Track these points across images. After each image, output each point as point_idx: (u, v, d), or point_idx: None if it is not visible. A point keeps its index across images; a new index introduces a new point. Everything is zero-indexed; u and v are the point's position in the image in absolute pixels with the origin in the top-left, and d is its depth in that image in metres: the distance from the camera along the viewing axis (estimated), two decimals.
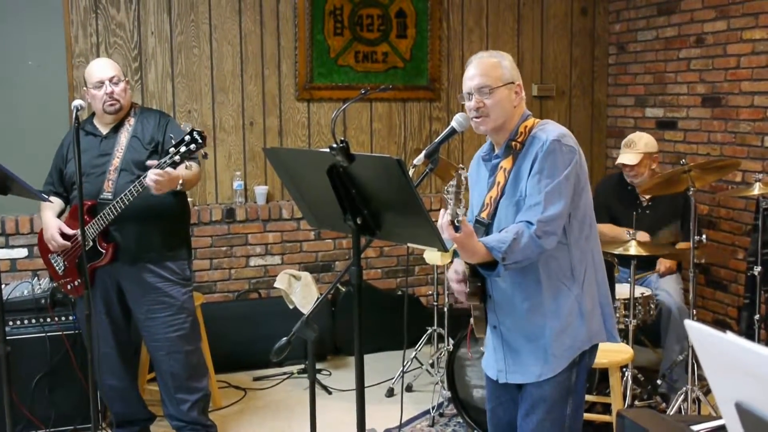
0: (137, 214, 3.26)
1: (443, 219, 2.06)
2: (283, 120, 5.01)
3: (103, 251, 3.33)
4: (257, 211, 4.91)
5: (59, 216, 3.47)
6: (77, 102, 3.00)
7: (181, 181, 3.17)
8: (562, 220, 2.21)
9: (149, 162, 3.11)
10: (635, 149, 4.24)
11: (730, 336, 0.98)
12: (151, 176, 3.04)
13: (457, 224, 2.02)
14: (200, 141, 3.04)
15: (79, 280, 3.41)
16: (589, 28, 5.65)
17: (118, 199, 3.20)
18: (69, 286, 3.49)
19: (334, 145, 1.96)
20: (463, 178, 2.00)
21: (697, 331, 1.04)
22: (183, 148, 3.04)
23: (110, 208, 3.22)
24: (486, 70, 2.31)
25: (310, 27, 4.95)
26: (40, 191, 3.29)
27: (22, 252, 4.47)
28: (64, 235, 3.35)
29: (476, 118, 2.32)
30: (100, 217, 3.25)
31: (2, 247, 4.42)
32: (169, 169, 3.06)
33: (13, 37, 4.42)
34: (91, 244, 3.31)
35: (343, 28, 5.04)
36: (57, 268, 3.49)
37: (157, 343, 3.44)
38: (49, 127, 4.45)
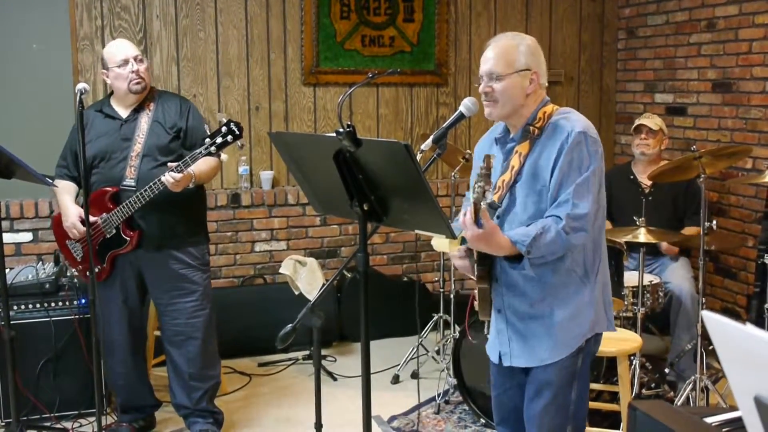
0: (161, 202, 3.23)
1: (466, 216, 2.07)
2: (289, 105, 4.97)
3: (128, 239, 3.31)
4: (263, 197, 4.88)
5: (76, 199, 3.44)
6: (81, 85, 2.96)
7: (193, 180, 3.19)
8: (590, 216, 2.21)
9: (170, 164, 3.12)
10: (654, 120, 4.27)
11: (750, 328, 0.95)
12: (169, 177, 3.09)
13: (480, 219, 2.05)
14: (237, 132, 3.06)
15: (99, 267, 3.38)
16: (599, 12, 5.57)
17: (139, 193, 3.19)
18: (88, 273, 3.46)
19: (341, 130, 1.93)
20: (492, 161, 2.03)
21: (715, 323, 1.01)
22: (219, 139, 3.04)
23: (132, 200, 3.21)
24: (499, 55, 2.28)
25: (317, 10, 4.89)
26: (45, 176, 3.25)
27: (27, 236, 4.46)
28: (84, 223, 3.32)
29: (485, 102, 2.30)
30: (123, 206, 3.24)
31: (7, 231, 4.40)
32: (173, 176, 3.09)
33: (18, 20, 4.38)
34: (114, 231, 3.31)
35: (349, 12, 4.98)
36: (75, 254, 3.46)
37: (177, 328, 3.43)
38: (54, 111, 4.43)
